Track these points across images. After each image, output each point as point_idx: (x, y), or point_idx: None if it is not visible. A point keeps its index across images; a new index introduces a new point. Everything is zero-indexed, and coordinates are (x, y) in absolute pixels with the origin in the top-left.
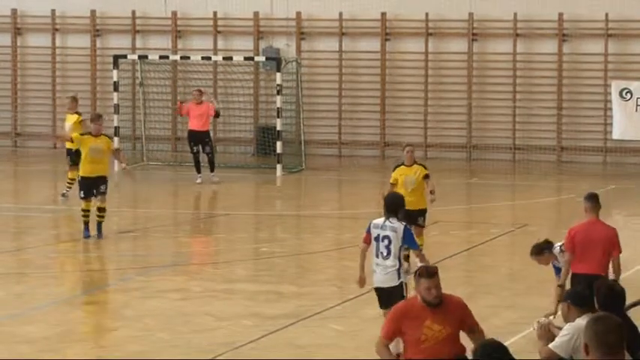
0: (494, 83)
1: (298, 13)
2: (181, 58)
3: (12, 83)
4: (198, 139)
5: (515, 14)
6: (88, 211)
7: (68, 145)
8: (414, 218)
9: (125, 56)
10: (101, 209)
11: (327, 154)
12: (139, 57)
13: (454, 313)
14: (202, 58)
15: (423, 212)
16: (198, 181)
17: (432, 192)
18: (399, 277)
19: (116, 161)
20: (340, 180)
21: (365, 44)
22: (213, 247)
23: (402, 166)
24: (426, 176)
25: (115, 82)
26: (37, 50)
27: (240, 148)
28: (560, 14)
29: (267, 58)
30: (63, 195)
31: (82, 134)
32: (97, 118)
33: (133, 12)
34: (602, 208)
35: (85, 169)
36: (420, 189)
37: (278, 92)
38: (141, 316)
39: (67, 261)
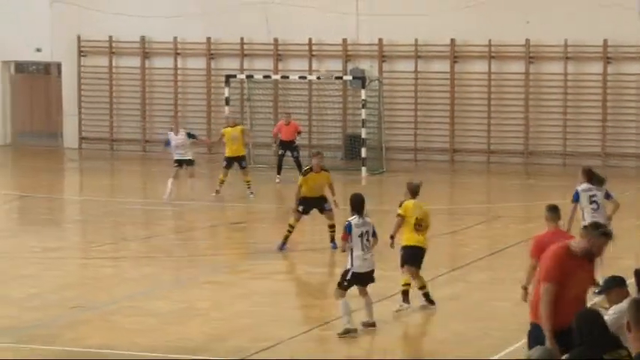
0: (547, 99)
1: (380, 39)
2: (282, 77)
3: (141, 99)
4: (287, 146)
5: (565, 40)
6: (293, 227)
7: (228, 153)
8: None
9: (235, 76)
10: (331, 226)
11: (404, 158)
12: (247, 76)
13: (590, 272)
14: (299, 77)
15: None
16: (277, 180)
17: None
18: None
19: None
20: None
21: (437, 65)
22: (310, 235)
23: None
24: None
25: (226, 98)
26: (161, 71)
27: (331, 153)
28: (605, 40)
29: (353, 78)
30: (216, 192)
31: (305, 172)
32: (317, 154)
33: (242, 38)
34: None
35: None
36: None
37: (363, 106)
38: (250, 294)
39: (188, 247)
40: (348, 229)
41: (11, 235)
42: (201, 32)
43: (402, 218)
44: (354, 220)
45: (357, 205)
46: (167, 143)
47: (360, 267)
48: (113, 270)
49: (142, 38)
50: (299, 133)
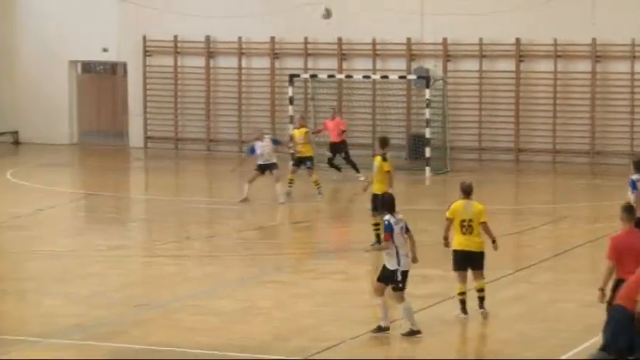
0: (614, 98)
1: (444, 39)
2: (345, 77)
3: (205, 98)
4: (335, 148)
5: (632, 39)
6: (378, 224)
7: (299, 153)
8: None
9: (299, 75)
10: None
11: (468, 158)
12: (311, 76)
13: None
14: (363, 77)
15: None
16: (361, 178)
17: None
18: None
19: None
20: (480, 180)
21: (502, 65)
22: (371, 236)
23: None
24: None
25: (290, 97)
26: (225, 70)
27: (395, 152)
28: None
29: (418, 77)
30: (287, 194)
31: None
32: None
33: (306, 38)
34: None
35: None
36: None
37: (427, 106)
38: (313, 294)
39: (252, 246)
40: (388, 228)
41: (77, 233)
42: (265, 32)
43: (450, 220)
44: (391, 219)
45: (390, 204)
46: (251, 151)
47: (405, 265)
48: (177, 268)
49: (207, 38)
50: (343, 131)
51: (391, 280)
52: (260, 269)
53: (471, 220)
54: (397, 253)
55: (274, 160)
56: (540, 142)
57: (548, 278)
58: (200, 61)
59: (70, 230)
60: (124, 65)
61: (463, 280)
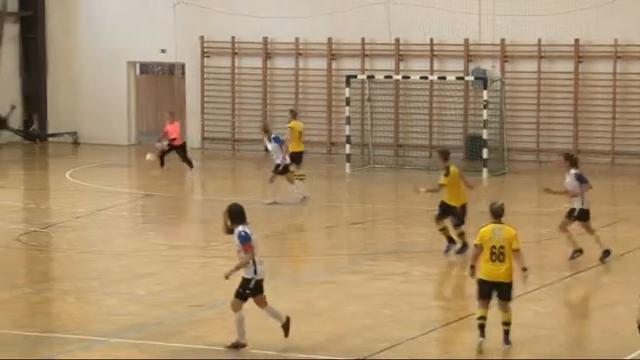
0: None
1: (502, 40)
2: (403, 77)
3: (262, 99)
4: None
5: None
6: (445, 229)
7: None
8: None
9: (355, 76)
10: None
11: (526, 159)
12: (368, 77)
13: None
14: (420, 77)
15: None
16: None
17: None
18: None
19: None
20: (538, 182)
21: (560, 66)
22: (428, 237)
23: None
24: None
25: (347, 98)
26: (282, 71)
27: (452, 153)
28: None
29: (475, 78)
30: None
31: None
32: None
33: (363, 39)
34: None
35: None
36: None
37: (484, 107)
38: (369, 295)
39: (308, 246)
40: (246, 238)
41: (135, 233)
42: (322, 32)
43: (478, 247)
44: (247, 228)
45: (240, 215)
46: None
47: (261, 273)
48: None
49: (264, 39)
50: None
51: (241, 287)
52: (317, 270)
53: (502, 247)
54: (254, 261)
55: (277, 161)
56: (599, 143)
57: (607, 281)
58: (257, 62)
59: (128, 230)
60: (182, 66)
61: (485, 306)
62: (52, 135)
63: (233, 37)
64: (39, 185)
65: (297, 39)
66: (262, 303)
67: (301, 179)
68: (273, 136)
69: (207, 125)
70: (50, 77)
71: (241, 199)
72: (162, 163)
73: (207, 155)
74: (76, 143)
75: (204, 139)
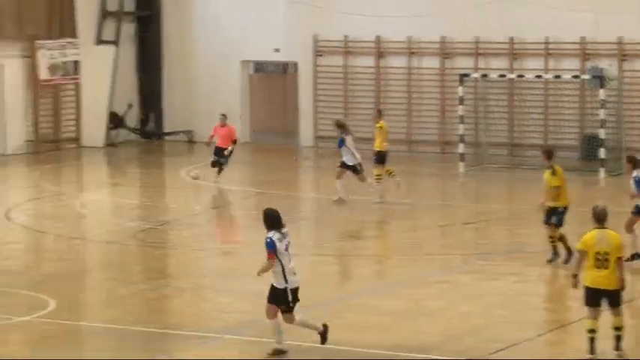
0: None
1: (620, 37)
2: (517, 76)
3: (375, 98)
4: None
5: None
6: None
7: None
8: None
9: (469, 75)
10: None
11: None
12: (481, 75)
13: None
14: (535, 76)
15: None
16: None
17: None
18: None
19: None
20: None
21: None
22: (542, 237)
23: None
24: None
25: (460, 97)
26: (395, 70)
27: (566, 153)
28: None
29: (592, 77)
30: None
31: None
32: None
33: (477, 37)
34: None
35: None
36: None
37: (601, 106)
38: (482, 295)
39: (420, 246)
40: (271, 246)
41: (249, 231)
42: (435, 31)
43: (582, 253)
44: (275, 235)
45: (273, 220)
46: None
47: (293, 282)
48: (343, 267)
49: (377, 38)
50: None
51: (283, 303)
52: (429, 269)
53: (607, 253)
54: (284, 270)
55: (342, 159)
56: None
57: None
58: (370, 61)
59: (242, 228)
60: (295, 65)
61: (595, 316)
62: (168, 133)
63: (346, 36)
64: (155, 183)
65: (409, 37)
66: (272, 315)
67: (392, 175)
68: (342, 136)
69: (321, 124)
70: (166, 76)
71: (354, 198)
72: (219, 170)
73: (320, 154)
74: (191, 142)
75: (317, 137)
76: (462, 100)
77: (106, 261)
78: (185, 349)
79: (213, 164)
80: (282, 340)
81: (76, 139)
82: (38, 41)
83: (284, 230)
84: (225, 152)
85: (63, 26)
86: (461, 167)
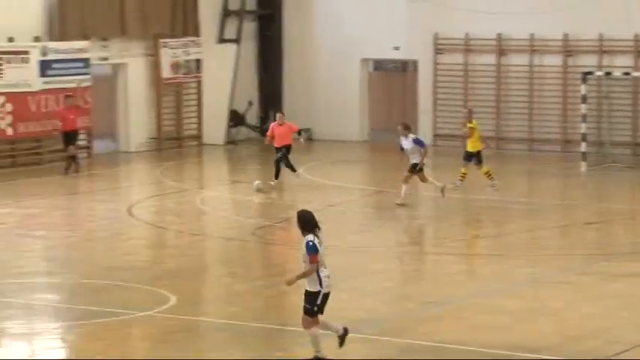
0: None
1: None
2: None
3: (495, 96)
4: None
5: None
6: None
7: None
8: None
9: (592, 73)
10: None
11: None
12: (605, 73)
13: None
14: None
15: None
16: None
17: None
18: None
19: None
20: None
21: None
22: None
23: None
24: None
25: (582, 96)
26: (516, 68)
27: None
28: None
29: None
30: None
31: None
32: None
33: (600, 34)
34: None
35: None
36: None
37: None
38: (604, 296)
39: (542, 246)
40: (314, 249)
41: (366, 229)
42: (557, 28)
43: None
44: (315, 239)
45: (310, 222)
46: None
47: (327, 287)
48: (464, 266)
49: (498, 35)
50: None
51: (309, 303)
52: (549, 269)
53: None
54: (319, 274)
55: (414, 161)
56: None
57: None
58: (490, 59)
59: (360, 226)
60: (415, 63)
61: None
62: None
63: (466, 34)
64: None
65: (531, 35)
66: (312, 324)
67: (489, 177)
68: (414, 137)
69: (439, 122)
70: (286, 74)
71: (474, 197)
72: (293, 169)
73: (438, 152)
74: (310, 140)
75: (435, 136)
76: (584, 99)
77: (225, 257)
78: (303, 345)
79: (287, 166)
80: (321, 349)
81: (198, 137)
82: (161, 40)
83: (320, 233)
84: (301, 137)
85: (186, 25)
86: (583, 167)
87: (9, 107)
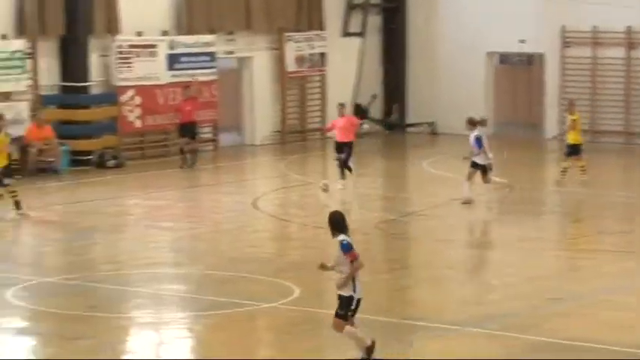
0: None
1: None
2: None
3: (625, 90)
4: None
5: None
6: None
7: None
8: None
9: None
10: None
11: None
12: None
13: None
14: None
15: None
16: None
17: None
18: None
19: None
20: None
21: None
22: None
23: None
24: None
25: None
26: (612, 60)
27: None
28: None
29: None
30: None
31: None
32: None
33: None
34: None
35: None
36: None
37: None
38: None
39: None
40: (349, 247)
41: (491, 223)
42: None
43: None
44: (348, 238)
45: (340, 223)
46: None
47: (360, 292)
48: (590, 262)
49: (628, 28)
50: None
51: (342, 308)
52: None
53: None
54: (353, 278)
55: (477, 160)
56: None
57: None
58: (620, 52)
59: (484, 221)
60: (541, 56)
61: None
62: (411, 125)
63: (595, 27)
64: (397, 174)
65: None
66: (341, 327)
67: (583, 171)
68: (476, 134)
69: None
70: (410, 67)
71: (601, 192)
72: (349, 169)
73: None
74: (433, 133)
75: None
76: None
77: None
78: (425, 339)
79: (339, 164)
80: (364, 337)
81: (321, 130)
82: (286, 34)
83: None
84: (365, 122)
85: (310, 19)
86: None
87: (138, 100)
